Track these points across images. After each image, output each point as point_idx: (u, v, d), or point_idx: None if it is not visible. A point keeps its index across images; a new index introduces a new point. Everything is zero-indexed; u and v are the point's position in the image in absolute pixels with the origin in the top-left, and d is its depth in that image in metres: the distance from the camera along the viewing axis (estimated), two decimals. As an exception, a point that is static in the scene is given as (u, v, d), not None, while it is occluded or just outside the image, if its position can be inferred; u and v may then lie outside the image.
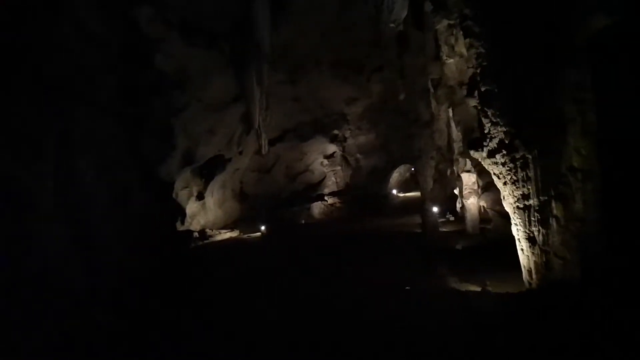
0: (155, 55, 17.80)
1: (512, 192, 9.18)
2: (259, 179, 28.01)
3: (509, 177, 9.17)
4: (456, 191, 23.39)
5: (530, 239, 8.94)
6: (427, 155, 18.14)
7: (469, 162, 17.86)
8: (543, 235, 8.66)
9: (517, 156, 8.90)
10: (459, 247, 15.59)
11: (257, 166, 27.75)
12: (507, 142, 9.07)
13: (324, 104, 28.74)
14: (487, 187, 16.14)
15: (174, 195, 22.24)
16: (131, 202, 16.49)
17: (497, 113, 9.20)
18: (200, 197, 23.60)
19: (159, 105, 19.51)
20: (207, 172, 23.72)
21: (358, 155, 29.05)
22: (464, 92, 13.74)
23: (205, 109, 21.31)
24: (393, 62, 28.06)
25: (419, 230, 19.93)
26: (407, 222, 23.25)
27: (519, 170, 8.90)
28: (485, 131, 9.57)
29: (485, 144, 9.65)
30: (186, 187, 22.92)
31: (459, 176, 22.93)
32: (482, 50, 9.56)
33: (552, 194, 8.53)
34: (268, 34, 20.70)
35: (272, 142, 27.23)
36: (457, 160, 22.86)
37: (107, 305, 11.36)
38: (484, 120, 9.57)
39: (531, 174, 8.67)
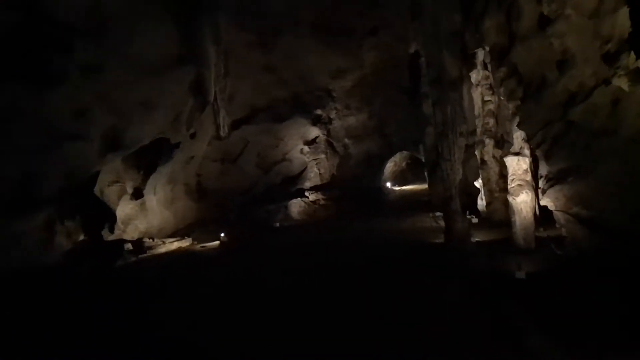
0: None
1: None
2: (222, 171, 21.65)
3: None
4: (478, 183, 17.21)
5: None
6: (455, 130, 11.80)
7: (518, 140, 11.57)
8: None
9: None
10: (520, 274, 9.32)
11: (219, 154, 21.33)
12: None
13: (305, 76, 22.59)
14: (559, 177, 9.86)
15: (96, 193, 15.64)
16: (31, 201, 12.13)
17: None
18: (137, 194, 17.06)
19: (63, 63, 12.93)
20: (147, 161, 17.16)
21: (346, 141, 23.27)
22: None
23: (134, 72, 14.71)
24: (391, 22, 22.02)
25: (438, 240, 13.65)
26: (415, 225, 17.09)
27: None
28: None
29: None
30: (116, 182, 16.46)
31: (484, 162, 16.84)
32: None
33: None
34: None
35: (237, 124, 20.93)
36: (482, 141, 16.75)
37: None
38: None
39: None
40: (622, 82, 7.98)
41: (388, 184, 26.88)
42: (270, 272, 12.40)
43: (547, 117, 9.54)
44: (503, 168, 16.52)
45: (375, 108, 23.91)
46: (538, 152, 10.29)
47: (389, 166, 26.82)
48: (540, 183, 10.63)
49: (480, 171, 16.83)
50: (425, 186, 24.93)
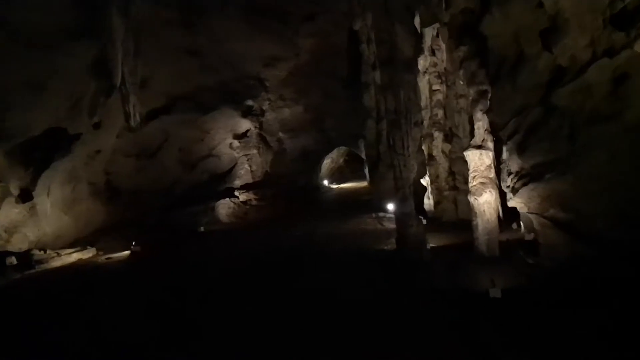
0: None
1: None
2: (138, 168, 18.72)
3: None
4: (424, 180, 15.58)
5: None
6: (409, 119, 9.91)
7: (480, 132, 9.86)
8: None
9: None
10: (495, 293, 7.53)
11: (133, 148, 18.39)
12: None
13: (234, 63, 20.21)
14: (534, 173, 8.20)
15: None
16: None
17: None
18: (25, 197, 13.82)
19: None
20: (39, 156, 13.97)
21: (281, 135, 21.05)
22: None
23: (15, 43, 11.66)
24: (330, 8, 20.03)
25: (388, 247, 11.78)
26: (359, 228, 15.18)
27: None
28: None
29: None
30: (-5, 182, 13.09)
31: (432, 157, 15.22)
32: None
33: None
34: None
35: (155, 113, 18.18)
36: (430, 134, 15.10)
37: None
38: None
39: None
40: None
41: (325, 182, 24.94)
42: (183, 299, 9.82)
43: (522, 101, 7.88)
44: (452, 164, 15.12)
45: (312, 100, 21.98)
46: (509, 145, 8.58)
47: (327, 163, 24.91)
48: (509, 181, 8.95)
49: (427, 167, 15.21)
50: (364, 184, 23.31)
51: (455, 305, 7.54)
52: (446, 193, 14.63)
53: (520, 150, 8.22)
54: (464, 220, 14.58)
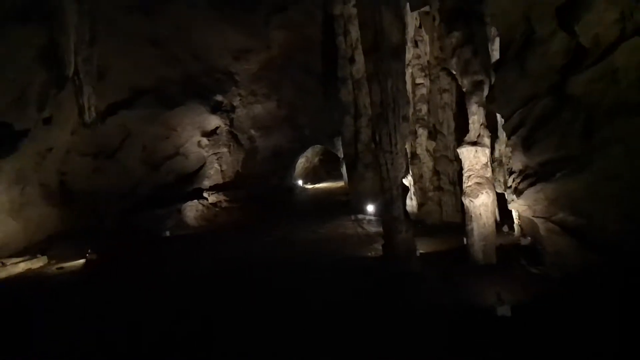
0: None
1: None
2: (96, 168, 17.16)
3: None
4: (407, 180, 14.59)
5: None
6: (398, 112, 8.84)
7: (475, 126, 8.89)
8: None
9: None
10: (504, 310, 6.53)
11: (91, 146, 16.86)
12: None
13: (201, 55, 18.91)
14: (541, 172, 7.25)
15: None
16: None
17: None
18: (-38, 200, 12.13)
19: None
20: (-23, 154, 12.34)
21: (252, 132, 19.82)
22: None
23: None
24: (303, -2, 18.98)
25: (372, 254, 10.72)
26: (338, 232, 14.13)
27: None
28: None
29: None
30: None
31: (415, 156, 14.25)
32: None
33: None
34: None
35: (114, 108, 16.59)
36: (414, 131, 14.12)
37: None
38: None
39: None
40: None
41: (300, 182, 23.73)
42: (139, 319, 8.47)
43: (530, 90, 6.90)
44: (437, 163, 14.22)
45: (285, 95, 20.77)
46: (512, 140, 7.60)
47: (301, 162, 23.67)
48: (510, 181, 7.99)
49: (410, 166, 14.24)
50: (341, 184, 22.23)
51: (457, 325, 6.50)
52: (431, 194, 13.69)
53: (526, 145, 7.25)
54: (450, 223, 13.75)
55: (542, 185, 7.16)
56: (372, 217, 15.63)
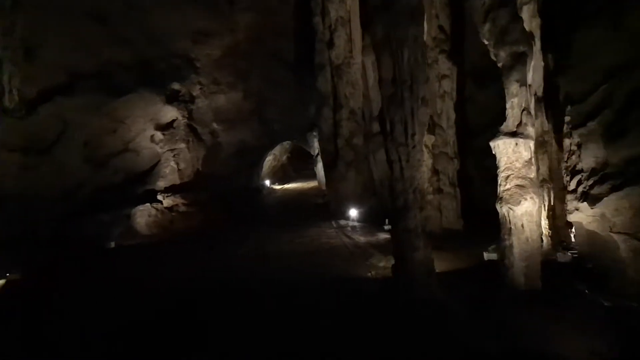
0: None
1: None
2: (26, 166, 14.20)
3: None
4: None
5: None
6: (417, 91, 6.69)
7: (514, 112, 6.84)
8: None
9: None
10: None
11: (19, 140, 14.11)
12: None
13: (156, 37, 16.79)
14: (629, 175, 5.24)
15: None
16: None
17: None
18: None
19: None
20: None
21: (215, 126, 17.66)
22: None
23: None
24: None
25: (371, 273, 8.52)
26: (320, 242, 11.90)
27: None
28: None
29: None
30: None
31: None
32: None
33: None
34: None
35: (48, 93, 13.82)
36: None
37: None
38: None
39: None
40: None
41: (267, 182, 21.36)
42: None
43: (624, 55, 4.86)
44: (436, 161, 12.27)
45: (252, 85, 18.79)
46: (588, 127, 5.58)
47: (269, 160, 21.42)
48: (574, 183, 5.98)
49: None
50: (313, 184, 20.06)
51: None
52: (430, 197, 11.69)
53: (610, 135, 5.27)
54: (451, 231, 11.87)
55: (630, 190, 5.18)
56: (357, 224, 13.55)
